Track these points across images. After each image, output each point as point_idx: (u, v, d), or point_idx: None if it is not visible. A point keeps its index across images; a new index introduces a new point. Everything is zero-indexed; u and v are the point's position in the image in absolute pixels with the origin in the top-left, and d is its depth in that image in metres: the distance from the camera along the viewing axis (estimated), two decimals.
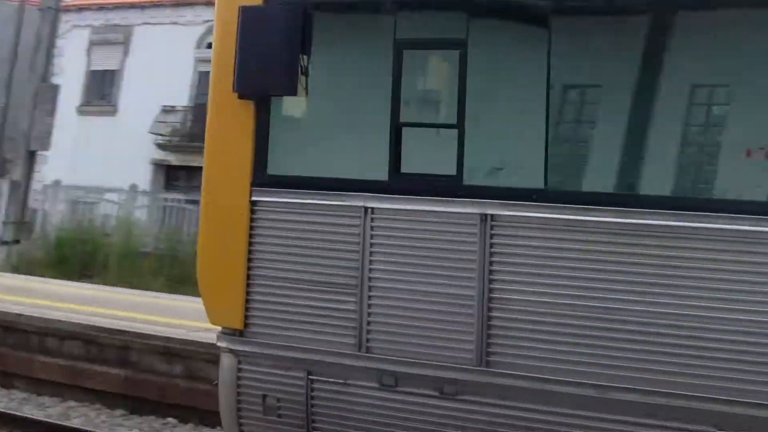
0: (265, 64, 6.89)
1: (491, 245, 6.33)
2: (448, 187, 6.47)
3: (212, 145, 7.25)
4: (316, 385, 6.92)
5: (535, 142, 6.21)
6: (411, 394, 6.62)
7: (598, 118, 6.19)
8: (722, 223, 5.74)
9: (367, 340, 6.73)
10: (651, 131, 6.03)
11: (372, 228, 6.72)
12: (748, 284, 5.68)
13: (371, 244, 6.71)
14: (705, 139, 6.01)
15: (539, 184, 6.20)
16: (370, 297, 6.71)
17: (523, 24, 6.37)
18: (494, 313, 6.33)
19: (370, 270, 6.70)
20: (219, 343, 7.29)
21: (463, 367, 6.42)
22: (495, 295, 6.32)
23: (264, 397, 7.11)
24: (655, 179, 6.05)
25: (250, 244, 7.08)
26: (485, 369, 6.37)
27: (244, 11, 6.95)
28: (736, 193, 5.79)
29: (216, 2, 7.34)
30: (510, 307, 6.29)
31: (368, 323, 6.72)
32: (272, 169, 7.08)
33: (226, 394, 7.22)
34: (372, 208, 6.72)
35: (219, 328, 7.25)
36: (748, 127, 5.81)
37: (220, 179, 7.20)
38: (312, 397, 6.93)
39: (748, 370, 5.67)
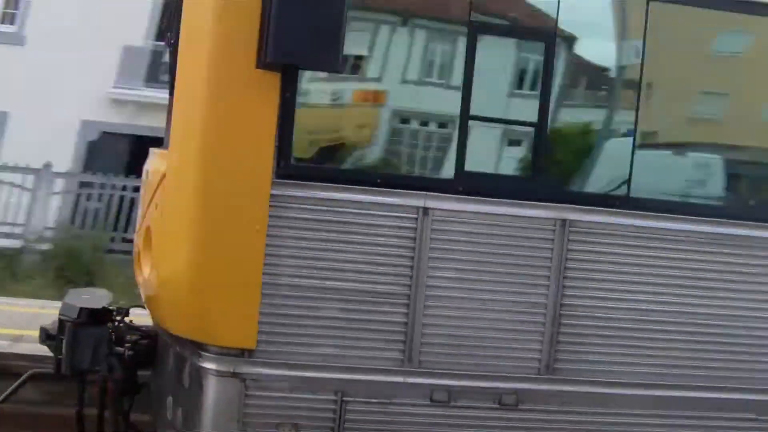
0: (307, 31, 5.66)
1: (568, 251, 6.14)
2: (524, 189, 6.08)
3: (209, 126, 5.76)
4: (351, 407, 6.02)
5: (621, 146, 6.16)
6: (467, 408, 6.16)
7: (691, 124, 6.35)
8: None
9: (420, 353, 6.05)
10: (747, 140, 6.38)
11: (432, 231, 6.01)
12: None
13: (430, 249, 6.00)
14: None
15: (622, 190, 6.18)
16: (425, 306, 6.02)
17: (616, 16, 6.19)
18: (565, 321, 6.18)
19: (428, 277, 6.00)
20: (210, 366, 5.91)
21: (528, 376, 6.18)
22: (568, 302, 6.17)
23: (278, 425, 5.98)
24: (742, 190, 6.47)
25: (268, 246, 5.84)
26: (551, 377, 6.21)
27: None
28: None
29: None
30: (583, 314, 6.20)
31: (422, 335, 6.04)
32: (299, 159, 5.89)
33: (222, 425, 5.90)
34: (432, 209, 6.00)
35: None
36: None
37: (222, 167, 5.77)
38: (346, 420, 6.02)
39: None
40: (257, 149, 5.80)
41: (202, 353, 5.95)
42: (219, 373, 5.91)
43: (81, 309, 7.07)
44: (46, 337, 7.41)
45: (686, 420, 6.38)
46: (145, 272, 6.41)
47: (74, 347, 7.03)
